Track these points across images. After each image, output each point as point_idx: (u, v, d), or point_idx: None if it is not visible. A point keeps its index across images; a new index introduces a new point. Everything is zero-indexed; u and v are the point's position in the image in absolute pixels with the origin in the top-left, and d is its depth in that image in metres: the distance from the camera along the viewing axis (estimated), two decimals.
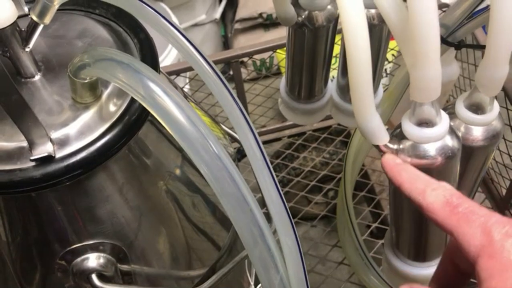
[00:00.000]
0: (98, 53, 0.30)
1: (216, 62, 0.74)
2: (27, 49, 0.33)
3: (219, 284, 0.42)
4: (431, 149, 0.31)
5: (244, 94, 0.80)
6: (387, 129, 0.80)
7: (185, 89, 0.86)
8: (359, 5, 0.27)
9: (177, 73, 0.74)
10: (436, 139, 0.31)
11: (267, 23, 1.27)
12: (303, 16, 0.39)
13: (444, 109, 0.37)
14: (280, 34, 1.17)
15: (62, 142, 0.32)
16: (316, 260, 0.76)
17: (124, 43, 0.37)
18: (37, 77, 0.35)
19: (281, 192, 0.29)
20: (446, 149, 0.31)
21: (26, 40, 0.33)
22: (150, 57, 0.36)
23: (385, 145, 0.32)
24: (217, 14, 1.30)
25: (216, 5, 1.31)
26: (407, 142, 0.31)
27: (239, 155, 0.78)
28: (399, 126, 0.32)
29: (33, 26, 0.33)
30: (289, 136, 0.91)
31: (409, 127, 0.31)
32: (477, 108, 0.34)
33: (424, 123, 0.31)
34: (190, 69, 0.72)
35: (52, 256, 0.36)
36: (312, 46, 0.41)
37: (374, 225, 0.76)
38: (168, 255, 0.42)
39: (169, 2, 1.13)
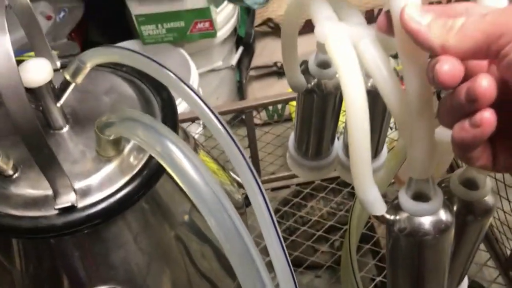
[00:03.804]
0: (124, 114, 0.32)
1: (230, 112, 0.77)
2: (58, 105, 0.36)
3: None
4: (426, 222, 0.33)
5: (255, 142, 0.83)
6: (393, 183, 0.80)
7: (199, 135, 0.89)
8: (361, 89, 0.29)
9: (192, 120, 0.77)
10: (430, 213, 0.32)
11: (281, 71, 1.31)
12: (312, 83, 0.42)
13: (441, 182, 0.39)
14: None
15: (84, 192, 0.34)
16: None
17: (147, 100, 0.40)
18: (65, 129, 0.37)
19: (286, 251, 0.31)
20: (440, 223, 0.33)
21: (58, 96, 0.36)
22: (170, 115, 0.38)
23: (382, 216, 0.33)
24: (234, 61, 1.34)
25: (233, 53, 1.36)
26: (403, 214, 0.33)
27: (247, 201, 0.79)
28: (397, 197, 0.34)
29: (66, 84, 0.36)
30: (298, 184, 0.92)
31: (405, 201, 0.33)
32: (471, 183, 0.36)
33: (420, 196, 0.33)
34: None
35: None
36: (321, 110, 0.44)
37: (378, 278, 0.77)
38: None
39: (188, 49, 1.17)
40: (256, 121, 1.23)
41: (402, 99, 0.29)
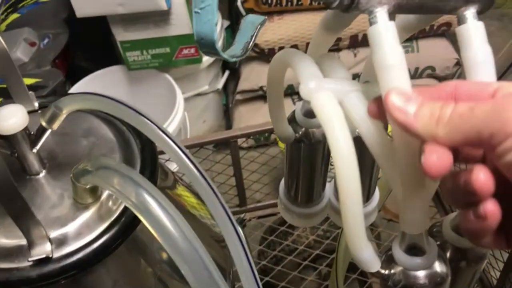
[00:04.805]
0: (99, 163, 0.32)
1: (214, 142, 0.76)
2: (34, 150, 0.35)
3: None
4: (421, 276, 0.32)
5: (241, 171, 0.82)
6: (379, 211, 0.80)
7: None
8: (350, 147, 0.28)
9: None
10: (425, 267, 0.32)
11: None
12: (300, 133, 0.41)
13: (432, 227, 0.38)
14: None
15: (60, 242, 0.33)
16: None
17: (126, 142, 0.39)
18: (42, 174, 0.37)
19: None
20: (435, 275, 0.32)
21: (34, 142, 0.35)
22: (150, 158, 0.38)
23: (378, 271, 0.33)
24: (220, 85, 1.34)
25: (219, 77, 1.36)
26: (398, 268, 0.32)
27: None
28: (390, 250, 0.33)
29: (42, 130, 0.35)
30: None
31: (399, 255, 0.32)
32: None
33: (413, 248, 0.32)
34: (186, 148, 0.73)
35: None
36: (309, 158, 0.43)
37: None
38: None
39: (174, 74, 1.17)
40: (244, 145, 1.23)
41: (390, 151, 0.29)
